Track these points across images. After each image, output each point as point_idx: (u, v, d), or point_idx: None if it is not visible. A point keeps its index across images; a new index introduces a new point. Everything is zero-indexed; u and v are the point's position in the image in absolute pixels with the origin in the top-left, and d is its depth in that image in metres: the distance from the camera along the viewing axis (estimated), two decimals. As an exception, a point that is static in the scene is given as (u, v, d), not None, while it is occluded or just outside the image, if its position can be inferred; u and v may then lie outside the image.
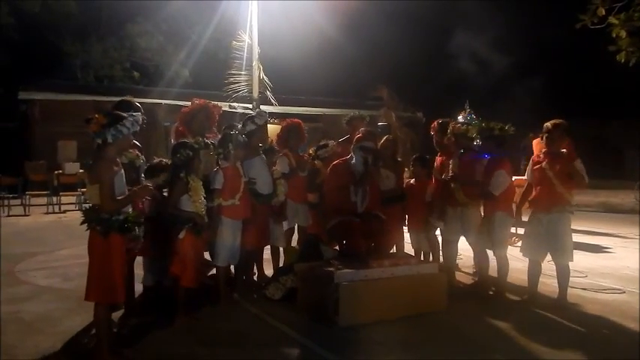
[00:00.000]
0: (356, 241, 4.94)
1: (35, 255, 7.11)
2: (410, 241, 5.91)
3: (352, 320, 4.15)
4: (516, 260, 5.40)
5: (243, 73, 13.85)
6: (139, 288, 4.64)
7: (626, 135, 23.08)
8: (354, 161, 5.24)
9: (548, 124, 4.76)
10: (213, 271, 4.83)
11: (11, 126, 20.02)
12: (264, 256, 5.64)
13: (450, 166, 5.36)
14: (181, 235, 4.13)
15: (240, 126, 5.06)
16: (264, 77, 14.00)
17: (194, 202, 4.18)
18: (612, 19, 6.19)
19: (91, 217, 3.35)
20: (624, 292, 5.34)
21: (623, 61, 6.34)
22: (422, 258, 5.78)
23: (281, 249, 5.65)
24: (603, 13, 6.19)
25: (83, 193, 11.08)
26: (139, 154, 4.42)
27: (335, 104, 22.45)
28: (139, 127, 3.53)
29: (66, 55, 23.00)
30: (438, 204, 5.52)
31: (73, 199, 12.78)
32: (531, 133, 9.29)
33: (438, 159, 5.74)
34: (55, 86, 19.24)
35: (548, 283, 5.21)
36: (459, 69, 20.17)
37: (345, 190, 5.15)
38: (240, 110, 14.80)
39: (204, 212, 4.26)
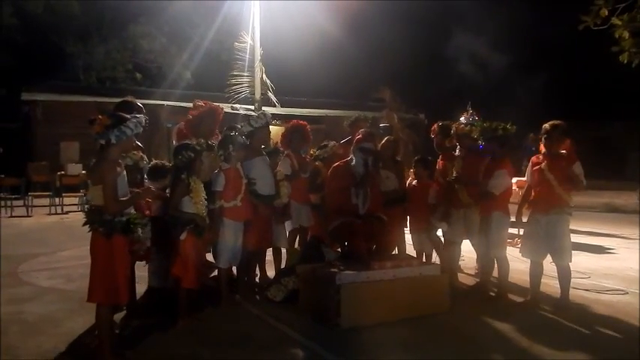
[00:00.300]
0: (358, 243, 4.92)
1: (38, 256, 7.13)
2: (412, 243, 5.91)
3: (354, 322, 4.15)
4: (518, 261, 5.39)
5: (245, 74, 13.88)
6: (140, 289, 4.65)
7: (629, 136, 22.99)
8: (354, 163, 5.23)
9: (546, 125, 4.73)
10: (215, 272, 4.83)
11: (14, 127, 20.08)
12: (267, 258, 5.64)
13: (454, 167, 5.36)
14: (182, 237, 4.12)
15: (240, 127, 5.07)
16: (267, 79, 14.02)
17: (195, 203, 4.17)
18: (615, 20, 6.16)
19: (93, 219, 3.35)
20: (627, 293, 5.32)
21: (626, 61, 6.32)
22: (424, 259, 5.77)
23: (283, 250, 5.66)
24: (606, 14, 6.17)
25: (86, 194, 11.08)
26: (143, 155, 4.43)
27: (337, 106, 22.50)
28: (142, 129, 3.53)
29: (68, 57, 22.99)
30: (442, 206, 5.51)
31: (75, 200, 12.80)
32: (532, 133, 9.29)
33: (440, 162, 5.74)
34: (57, 87, 19.26)
35: (551, 284, 5.20)
36: (460, 71, 20.17)
37: (346, 191, 5.13)
38: (242, 112, 14.82)
39: (205, 214, 4.26)
